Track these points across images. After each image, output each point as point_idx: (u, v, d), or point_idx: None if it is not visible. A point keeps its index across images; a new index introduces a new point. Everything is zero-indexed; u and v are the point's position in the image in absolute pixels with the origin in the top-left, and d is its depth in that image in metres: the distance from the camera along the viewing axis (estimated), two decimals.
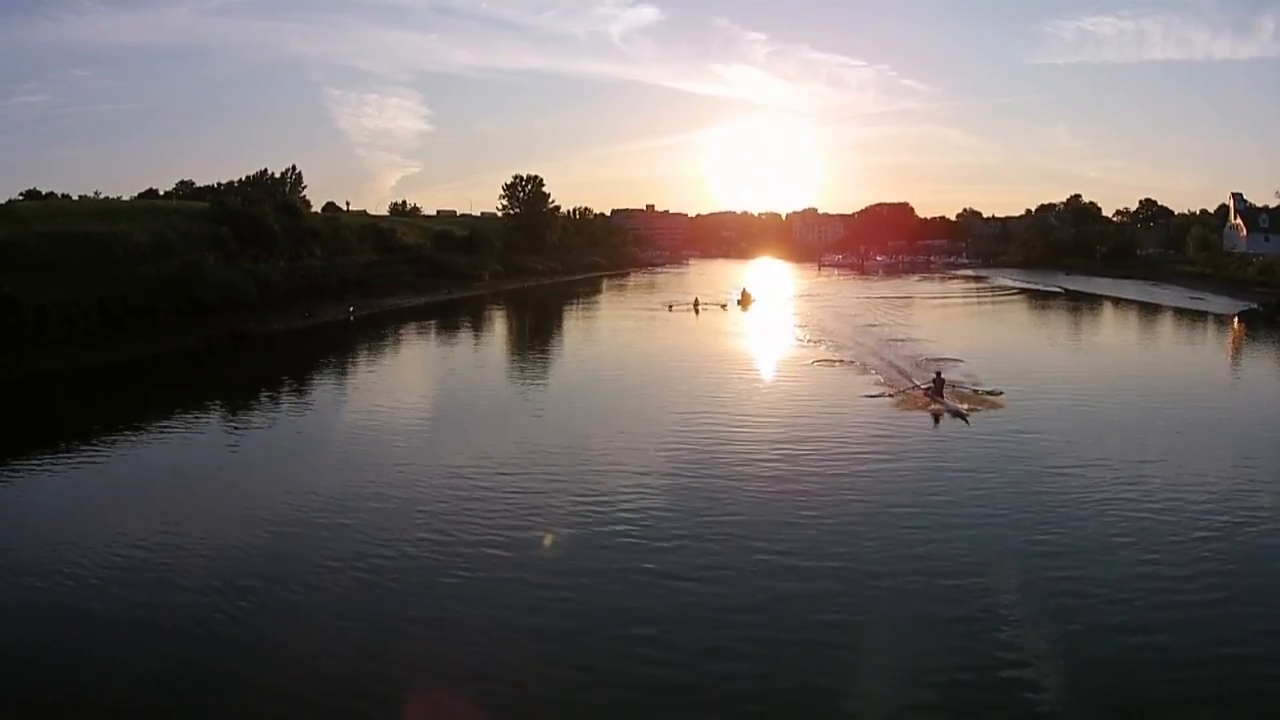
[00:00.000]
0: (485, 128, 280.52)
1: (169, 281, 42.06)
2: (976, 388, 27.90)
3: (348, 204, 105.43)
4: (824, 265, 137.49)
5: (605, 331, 53.35)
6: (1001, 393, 26.90)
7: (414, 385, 33.79)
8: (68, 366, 33.40)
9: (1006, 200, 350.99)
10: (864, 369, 33.65)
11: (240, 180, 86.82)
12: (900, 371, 31.89)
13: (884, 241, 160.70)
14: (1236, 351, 45.53)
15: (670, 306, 62.07)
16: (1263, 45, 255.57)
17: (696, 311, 58.20)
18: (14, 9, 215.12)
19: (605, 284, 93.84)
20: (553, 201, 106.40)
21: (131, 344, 37.20)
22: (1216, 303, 64.73)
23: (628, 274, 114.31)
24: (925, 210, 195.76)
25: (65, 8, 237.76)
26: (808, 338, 45.11)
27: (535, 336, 52.11)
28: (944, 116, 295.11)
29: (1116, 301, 71.33)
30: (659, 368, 35.80)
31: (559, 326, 58.14)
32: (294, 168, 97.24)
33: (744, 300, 62.83)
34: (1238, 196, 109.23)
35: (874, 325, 50.40)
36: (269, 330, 44.32)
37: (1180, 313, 62.70)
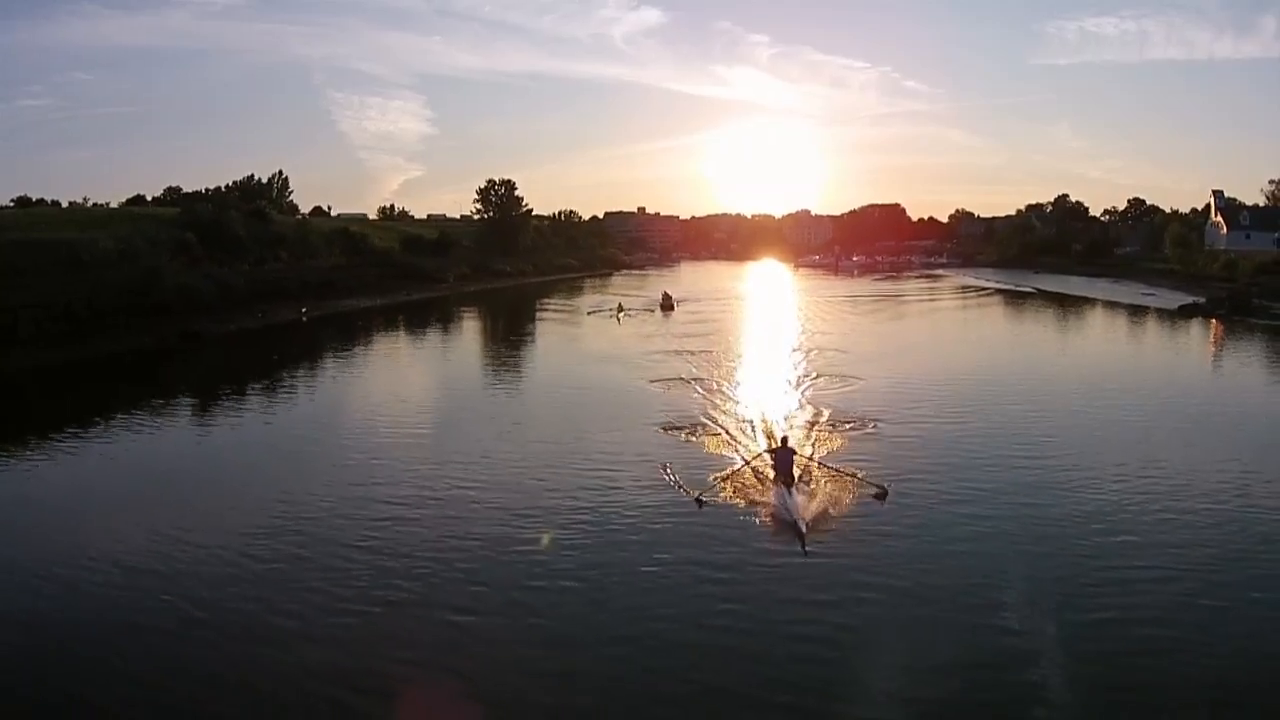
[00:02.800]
0: (488, 130, 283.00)
1: (131, 285, 44.69)
2: (851, 472, 18.00)
3: (329, 207, 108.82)
4: (800, 265, 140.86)
5: (497, 339, 52.64)
6: (885, 491, 16.97)
7: (319, 381, 35.50)
8: (34, 364, 35.93)
9: (1008, 201, 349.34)
10: (704, 421, 24.05)
11: (227, 185, 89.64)
12: (746, 420, 23.94)
13: (872, 242, 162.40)
14: (1149, 346, 47.35)
15: (590, 311, 60.85)
16: (1264, 44, 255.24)
17: (619, 318, 55.60)
18: (16, 12, 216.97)
19: (570, 286, 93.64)
20: (526, 204, 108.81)
21: (93, 344, 39.69)
22: (1166, 298, 65.83)
23: (608, 275, 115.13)
24: (926, 211, 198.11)
25: (68, 10, 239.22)
26: (684, 355, 37.28)
27: (438, 339, 52.06)
28: (946, 117, 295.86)
29: (1064, 298, 72.73)
30: (473, 391, 33.42)
31: (476, 328, 58.86)
32: (280, 173, 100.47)
33: (665, 305, 61.51)
34: (1218, 194, 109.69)
35: (783, 325, 51.26)
36: (222, 330, 46.71)
37: (1121, 308, 64.21)
